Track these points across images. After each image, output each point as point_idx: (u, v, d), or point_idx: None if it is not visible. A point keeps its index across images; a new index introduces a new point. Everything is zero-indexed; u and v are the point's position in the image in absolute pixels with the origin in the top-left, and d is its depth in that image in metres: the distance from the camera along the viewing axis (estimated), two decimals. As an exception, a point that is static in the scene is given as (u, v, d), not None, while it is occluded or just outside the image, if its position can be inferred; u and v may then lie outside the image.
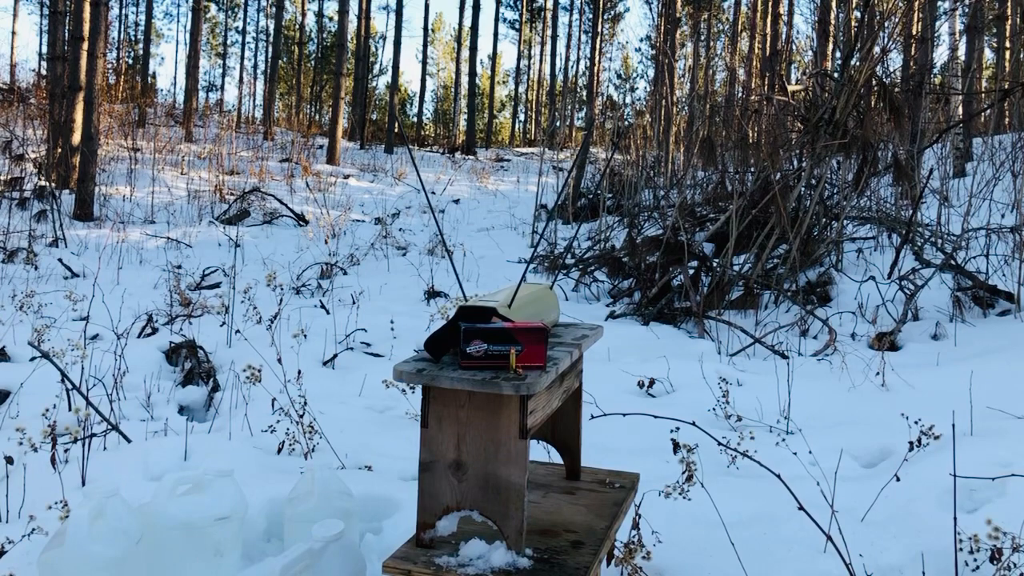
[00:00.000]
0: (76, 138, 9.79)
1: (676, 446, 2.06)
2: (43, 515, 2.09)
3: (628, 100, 37.39)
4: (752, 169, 6.72)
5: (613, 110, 22.26)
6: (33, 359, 3.79)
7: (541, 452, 2.65)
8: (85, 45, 9.73)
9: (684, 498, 2.01)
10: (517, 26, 36.09)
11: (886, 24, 6.90)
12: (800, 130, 6.40)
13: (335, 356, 4.13)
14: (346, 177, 14.71)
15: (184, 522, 1.84)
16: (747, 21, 21.25)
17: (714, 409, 3.27)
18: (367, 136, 23.25)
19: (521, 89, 38.49)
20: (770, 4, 17.75)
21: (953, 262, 5.04)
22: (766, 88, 14.03)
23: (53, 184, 9.65)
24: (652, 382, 3.70)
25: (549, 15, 32.41)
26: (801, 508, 1.79)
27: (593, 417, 2.55)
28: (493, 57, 31.44)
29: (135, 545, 1.75)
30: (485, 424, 1.51)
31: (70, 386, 3.04)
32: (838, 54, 13.59)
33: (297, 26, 31.33)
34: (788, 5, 19.14)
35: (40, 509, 2.13)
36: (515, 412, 1.49)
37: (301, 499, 2.03)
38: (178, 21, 43.20)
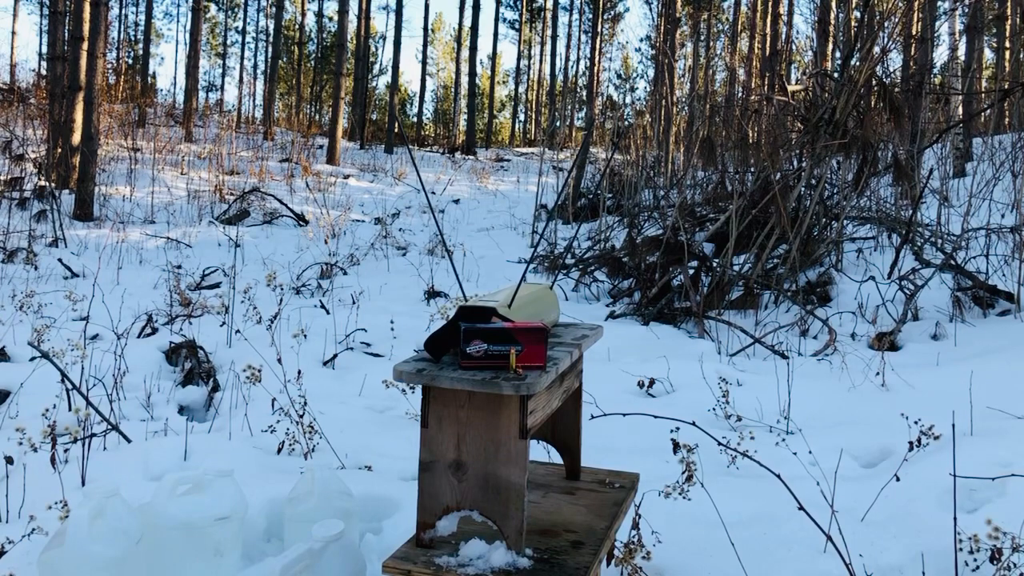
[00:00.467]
0: (76, 138, 9.79)
1: (676, 446, 2.06)
2: (43, 515, 2.09)
3: (628, 100, 37.42)
4: (752, 169, 6.72)
5: (613, 110, 22.27)
6: (33, 359, 3.79)
7: (541, 452, 2.65)
8: (85, 45, 9.73)
9: (684, 498, 2.01)
10: (517, 26, 36.10)
11: (886, 24, 6.90)
12: (800, 130, 6.40)
13: (335, 356, 4.13)
14: (346, 177, 14.71)
15: (184, 522, 1.84)
16: (747, 21, 21.25)
17: (714, 409, 3.27)
18: (367, 136, 23.25)
19: (521, 89, 38.51)
20: (770, 4, 17.75)
21: (953, 262, 5.04)
22: (766, 88, 14.02)
23: (53, 184, 9.64)
24: (652, 382, 3.70)
25: (549, 15, 32.42)
26: (801, 508, 1.79)
27: (593, 417, 2.55)
28: (493, 57, 31.44)
29: (135, 545, 1.75)
30: (485, 424, 1.51)
31: (70, 386, 3.04)
32: (838, 54, 13.58)
33: (297, 26, 31.34)
34: (788, 5, 19.14)
35: (40, 509, 2.13)
36: (515, 412, 1.49)
37: (301, 499, 2.03)
38: (178, 21, 43.23)
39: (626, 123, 16.42)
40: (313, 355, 4.11)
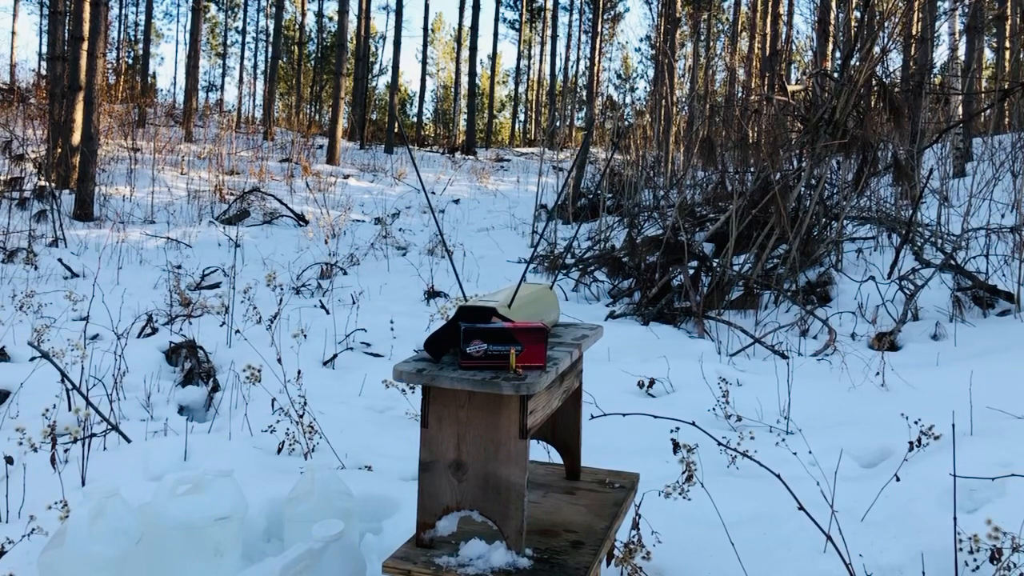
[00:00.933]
0: (76, 138, 9.79)
1: (676, 446, 2.06)
2: (43, 515, 2.09)
3: (628, 100, 37.40)
4: (752, 169, 6.71)
5: (613, 110, 22.27)
6: (33, 359, 3.79)
7: (541, 452, 2.65)
8: (85, 45, 9.73)
9: (684, 498, 2.01)
10: (517, 26, 36.10)
11: (886, 24, 6.90)
12: (800, 130, 6.40)
13: (335, 356, 4.13)
14: (346, 177, 14.71)
15: (184, 522, 1.84)
16: (747, 21, 21.25)
17: (714, 409, 3.27)
18: (367, 136, 23.25)
19: (521, 89, 38.51)
20: (770, 4, 17.75)
21: (953, 262, 5.04)
22: (766, 88, 14.02)
23: (53, 184, 9.64)
24: (652, 382, 3.70)
25: (549, 15, 32.41)
26: (801, 508, 1.79)
27: (593, 417, 2.55)
28: (493, 57, 31.43)
29: (135, 545, 1.75)
30: (485, 424, 1.51)
31: (70, 386, 3.04)
32: (838, 54, 13.58)
33: (297, 26, 31.33)
34: (788, 5, 19.14)
35: (40, 509, 2.13)
36: (515, 412, 1.49)
37: (301, 499, 2.03)
38: (178, 21, 43.23)
39: (626, 123, 16.42)
40: (313, 355, 4.11)
